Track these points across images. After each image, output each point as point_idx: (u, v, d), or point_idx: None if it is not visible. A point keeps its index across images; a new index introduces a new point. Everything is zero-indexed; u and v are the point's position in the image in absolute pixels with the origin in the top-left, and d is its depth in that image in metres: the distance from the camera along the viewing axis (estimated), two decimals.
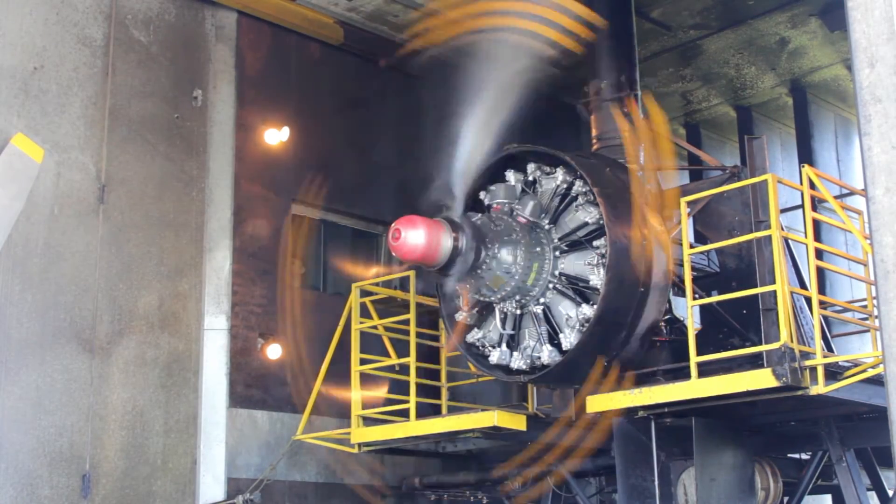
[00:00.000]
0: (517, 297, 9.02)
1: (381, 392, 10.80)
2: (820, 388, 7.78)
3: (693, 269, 9.29)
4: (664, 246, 9.09)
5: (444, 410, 10.78)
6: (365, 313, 10.78)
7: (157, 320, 10.88)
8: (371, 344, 10.90)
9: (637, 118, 9.84)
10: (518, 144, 9.42)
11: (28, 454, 9.74)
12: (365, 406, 10.62)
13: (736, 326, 9.29)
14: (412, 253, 8.36)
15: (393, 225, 8.43)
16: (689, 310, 8.45)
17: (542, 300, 9.04)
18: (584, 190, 9.00)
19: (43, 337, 10.02)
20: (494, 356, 9.20)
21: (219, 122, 11.68)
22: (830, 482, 9.73)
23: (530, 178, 9.43)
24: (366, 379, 10.68)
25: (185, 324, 11.07)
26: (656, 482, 8.85)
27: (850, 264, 10.63)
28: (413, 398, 10.18)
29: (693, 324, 8.45)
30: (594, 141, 10.21)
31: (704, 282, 9.89)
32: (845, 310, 11.02)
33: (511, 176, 9.45)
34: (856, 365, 8.11)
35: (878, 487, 9.90)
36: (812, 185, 8.30)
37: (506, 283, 8.84)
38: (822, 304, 8.54)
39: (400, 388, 10.63)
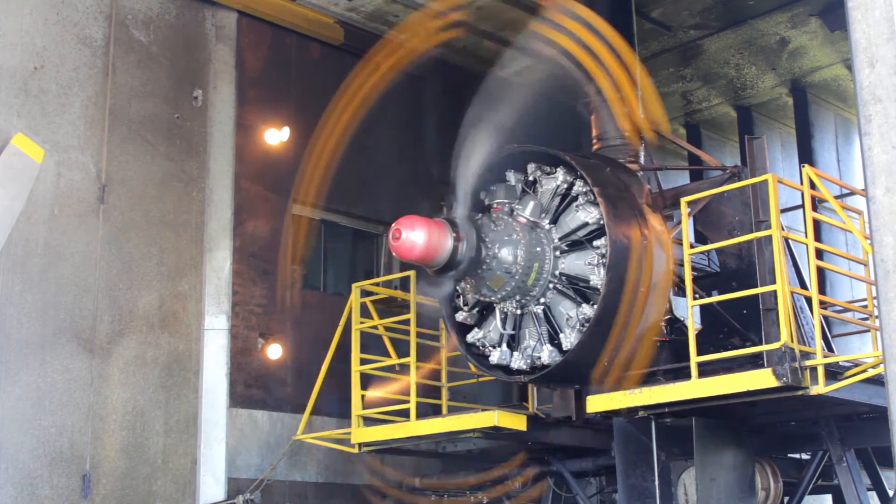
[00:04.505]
0: (517, 297, 9.01)
1: (382, 392, 10.79)
2: (820, 388, 7.78)
3: (693, 269, 9.29)
4: (664, 246, 9.09)
5: (444, 410, 10.77)
6: (365, 313, 10.77)
7: (158, 320, 10.88)
8: (371, 344, 10.90)
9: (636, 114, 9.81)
10: (518, 144, 9.42)
11: (28, 454, 9.74)
12: (365, 406, 10.61)
13: (736, 326, 9.29)
14: (412, 253, 8.36)
15: (393, 225, 8.43)
16: (689, 310, 8.44)
17: (542, 300, 9.04)
18: (584, 190, 8.99)
19: (43, 337, 10.03)
20: (495, 356, 9.19)
21: (219, 122, 11.69)
22: (831, 482, 9.72)
23: (531, 178, 9.43)
24: (366, 379, 10.68)
25: (185, 324, 11.07)
26: (656, 482, 8.85)
27: (851, 264, 10.63)
28: (413, 398, 10.17)
29: (693, 324, 8.44)
30: (594, 141, 10.21)
31: (705, 282, 9.89)
32: (845, 310, 11.01)
33: (511, 176, 9.45)
34: (856, 365, 8.11)
35: (879, 487, 9.90)
36: (812, 185, 8.29)
37: (506, 283, 8.84)
38: (823, 304, 8.53)
39: (400, 387, 10.63)
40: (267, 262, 11.77)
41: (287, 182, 12.09)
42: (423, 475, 11.73)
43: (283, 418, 11.49)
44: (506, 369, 9.25)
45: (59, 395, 10.04)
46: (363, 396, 10.53)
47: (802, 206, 8.41)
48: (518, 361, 9.10)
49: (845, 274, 9.61)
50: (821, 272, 11.79)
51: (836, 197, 9.30)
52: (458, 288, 9.44)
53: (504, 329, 9.20)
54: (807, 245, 8.24)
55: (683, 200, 8.78)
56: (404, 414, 10.31)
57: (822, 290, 9.94)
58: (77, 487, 10.01)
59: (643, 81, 9.77)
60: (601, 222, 8.79)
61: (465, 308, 9.49)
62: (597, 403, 8.83)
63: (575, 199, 9.06)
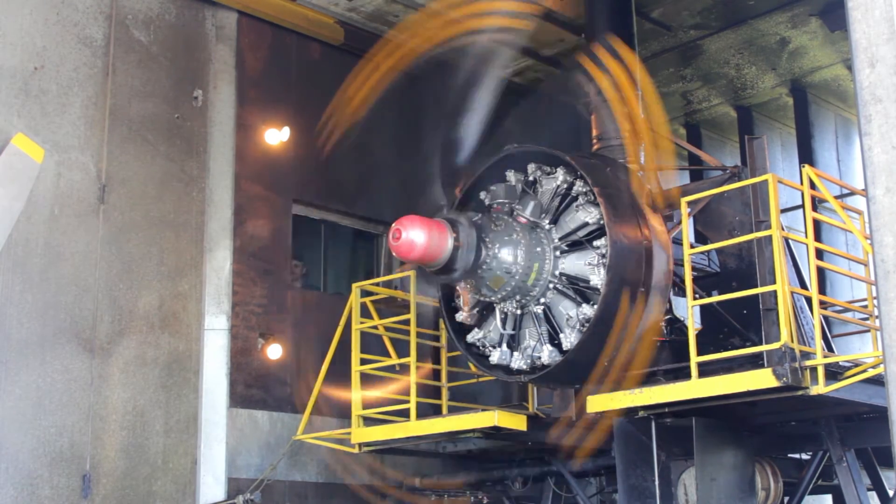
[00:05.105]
0: (517, 297, 9.02)
1: (382, 392, 10.79)
2: (820, 388, 7.78)
3: (693, 269, 9.29)
4: (664, 246, 9.09)
5: (444, 410, 10.78)
6: (365, 313, 10.77)
7: (158, 320, 10.88)
8: (371, 344, 10.90)
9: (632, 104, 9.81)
10: (518, 144, 9.43)
11: (28, 454, 9.74)
12: (365, 406, 10.61)
13: (736, 326, 9.29)
14: (412, 253, 8.36)
15: (393, 225, 8.43)
16: (689, 310, 8.44)
17: (542, 300, 9.04)
18: (584, 190, 9.00)
19: (43, 337, 10.02)
20: (495, 356, 9.19)
21: (219, 122, 11.68)
22: (831, 482, 9.72)
23: (531, 179, 9.43)
24: (366, 379, 10.68)
25: (185, 324, 11.07)
26: (656, 482, 8.85)
27: (851, 264, 10.63)
28: (413, 398, 10.17)
29: (693, 324, 8.44)
30: (594, 141, 10.21)
31: (705, 282, 9.90)
32: (846, 310, 11.02)
33: (511, 176, 9.45)
34: (856, 365, 8.11)
35: (879, 487, 9.90)
36: (812, 185, 8.29)
37: (506, 283, 8.84)
38: (823, 304, 8.53)
39: (400, 387, 10.63)
40: (267, 262, 11.77)
41: (287, 182, 12.10)
42: (423, 475, 11.74)
43: (283, 418, 11.49)
44: (506, 369, 9.26)
45: (59, 395, 10.04)
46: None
47: (802, 206, 8.41)
48: (518, 361, 9.10)
49: (845, 274, 9.61)
50: (821, 272, 11.79)
51: (836, 197, 9.30)
52: (457, 288, 9.45)
53: (504, 329, 9.20)
54: (807, 245, 8.24)
55: (683, 200, 8.78)
56: (404, 414, 10.31)
57: (822, 290, 9.95)
58: (77, 487, 10.01)
59: (656, 118, 9.87)
60: (601, 222, 8.79)
61: (465, 308, 9.49)
62: (597, 403, 8.83)
63: (575, 199, 9.07)
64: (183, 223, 11.25)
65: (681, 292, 9.32)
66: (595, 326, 8.65)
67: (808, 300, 8.67)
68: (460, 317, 9.52)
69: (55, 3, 10.60)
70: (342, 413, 11.19)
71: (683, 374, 8.63)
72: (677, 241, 9.08)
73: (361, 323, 10.68)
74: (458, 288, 9.44)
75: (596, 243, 8.82)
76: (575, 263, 8.94)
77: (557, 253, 9.02)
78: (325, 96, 12.57)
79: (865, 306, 9.07)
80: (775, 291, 8.08)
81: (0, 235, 9.71)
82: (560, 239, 9.07)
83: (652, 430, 8.86)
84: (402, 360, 10.39)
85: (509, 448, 10.70)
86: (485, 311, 9.47)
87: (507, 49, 8.66)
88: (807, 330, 8.72)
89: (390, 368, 10.70)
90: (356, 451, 10.64)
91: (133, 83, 11.12)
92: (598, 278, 8.73)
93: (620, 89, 9.50)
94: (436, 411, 10.87)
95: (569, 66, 11.60)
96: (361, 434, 10.47)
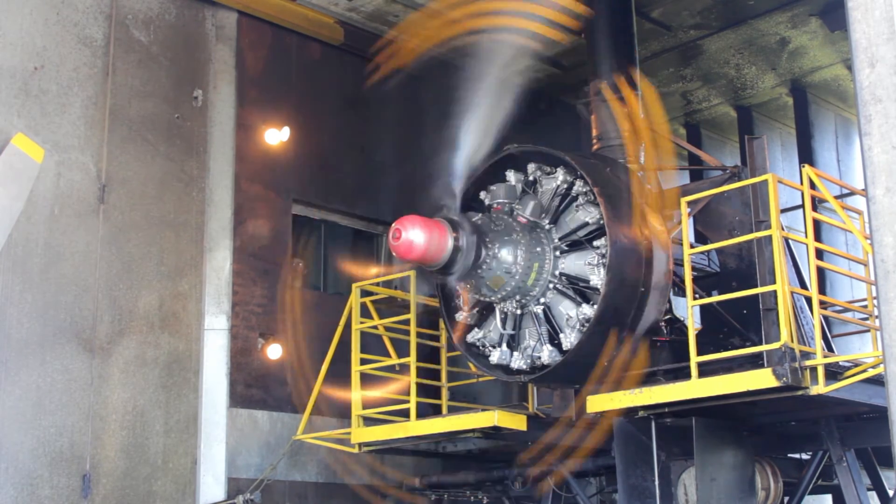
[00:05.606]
0: (517, 297, 9.01)
1: (382, 392, 10.79)
2: (820, 388, 7.78)
3: (693, 269, 9.29)
4: (664, 246, 9.09)
5: (444, 410, 10.78)
6: (365, 313, 10.77)
7: (158, 320, 10.88)
8: (371, 344, 10.90)
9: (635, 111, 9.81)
10: (518, 145, 9.43)
11: (28, 454, 9.74)
12: (365, 406, 10.61)
13: (736, 326, 9.29)
14: (412, 253, 8.35)
15: (393, 225, 8.43)
16: (689, 310, 8.44)
17: (542, 300, 9.04)
18: (584, 190, 9.00)
19: (43, 337, 10.03)
20: (495, 356, 9.19)
21: (219, 122, 11.68)
22: (831, 482, 9.73)
23: (531, 178, 9.43)
24: (366, 379, 10.68)
25: (185, 324, 11.07)
26: (656, 482, 8.84)
27: (851, 264, 10.63)
28: (413, 398, 10.18)
29: (693, 324, 8.44)
30: (594, 141, 10.21)
31: (705, 282, 9.90)
32: (845, 310, 11.02)
33: (511, 176, 9.45)
34: (856, 365, 8.11)
35: (879, 487, 9.90)
36: (812, 185, 8.29)
37: (506, 283, 8.84)
38: (823, 304, 8.53)
39: (400, 387, 10.63)
40: (267, 262, 11.77)
41: (287, 182, 12.10)
42: (423, 475, 11.74)
43: (283, 418, 11.49)
44: (506, 369, 9.26)
45: (59, 395, 10.04)
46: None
47: (802, 206, 8.41)
48: (518, 361, 9.10)
49: (845, 274, 9.61)
50: (821, 272, 11.79)
51: (836, 197, 9.30)
52: (457, 287, 9.44)
53: (504, 329, 9.20)
54: (807, 245, 8.24)
55: (683, 200, 8.78)
56: (404, 414, 10.31)
57: (822, 290, 9.95)
58: (77, 487, 10.01)
59: (656, 118, 9.90)
60: (601, 222, 8.80)
61: (465, 308, 9.49)
62: (597, 403, 8.83)
63: (575, 199, 9.07)
64: (183, 223, 11.25)
65: (681, 292, 9.32)
66: (595, 326, 8.65)
67: (808, 300, 8.67)
68: (460, 317, 9.52)
69: (55, 3, 10.60)
70: (342, 413, 11.19)
71: (683, 374, 8.63)
72: (677, 241, 9.08)
73: (361, 323, 10.68)
74: (457, 288, 9.44)
75: (596, 243, 8.82)
76: (575, 263, 8.94)
77: (557, 253, 9.02)
78: (325, 96, 12.59)
79: (865, 306, 9.08)
80: (775, 291, 8.07)
81: (0, 235, 9.71)
82: (560, 239, 9.07)
83: (652, 430, 8.86)
84: (402, 360, 10.39)
85: (509, 448, 10.69)
86: (485, 311, 9.47)
87: (522, 52, 8.65)
88: (807, 330, 8.73)
89: (390, 368, 10.70)
90: (356, 451, 10.63)
91: (133, 83, 11.12)
92: (598, 278, 8.73)
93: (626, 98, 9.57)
94: (436, 411, 10.87)
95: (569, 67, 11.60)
96: (361, 434, 10.47)
